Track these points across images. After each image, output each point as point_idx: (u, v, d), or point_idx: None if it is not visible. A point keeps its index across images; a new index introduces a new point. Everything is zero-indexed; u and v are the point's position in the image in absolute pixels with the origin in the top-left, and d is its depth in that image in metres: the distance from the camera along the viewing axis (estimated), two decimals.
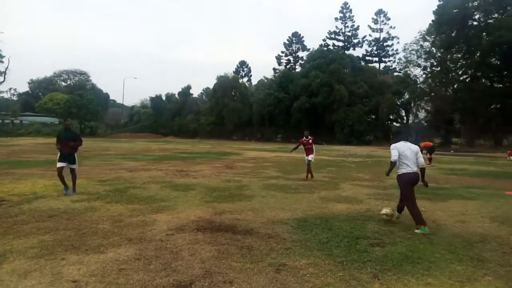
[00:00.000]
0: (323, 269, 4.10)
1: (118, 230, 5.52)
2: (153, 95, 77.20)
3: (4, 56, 54.95)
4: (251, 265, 4.17)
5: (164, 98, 77.47)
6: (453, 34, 45.11)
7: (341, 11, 72.01)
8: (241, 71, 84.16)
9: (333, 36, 72.82)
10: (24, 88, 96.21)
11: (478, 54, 44.51)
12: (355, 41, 72.76)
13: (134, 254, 4.48)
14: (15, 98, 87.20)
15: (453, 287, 3.76)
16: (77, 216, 6.39)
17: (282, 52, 77.63)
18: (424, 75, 55.78)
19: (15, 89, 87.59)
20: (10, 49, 78.07)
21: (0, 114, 63.30)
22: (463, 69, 49.21)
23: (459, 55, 48.13)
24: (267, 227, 5.88)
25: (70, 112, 59.95)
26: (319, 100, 55.15)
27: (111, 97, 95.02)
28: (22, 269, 3.95)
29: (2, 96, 71.79)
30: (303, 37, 76.74)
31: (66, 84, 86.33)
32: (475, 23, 44.69)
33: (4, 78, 57.79)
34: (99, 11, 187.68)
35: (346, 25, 72.38)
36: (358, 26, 72.24)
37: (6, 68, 57.24)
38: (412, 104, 58.02)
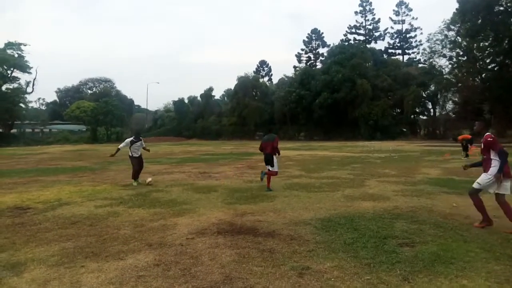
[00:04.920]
0: (349, 272, 3.90)
1: (138, 235, 5.47)
2: (176, 99, 78.09)
3: (31, 68, 56.76)
4: (272, 269, 4.01)
5: (186, 101, 78.18)
6: (478, 22, 43.36)
7: (360, 5, 70.89)
8: (261, 71, 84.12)
9: (353, 30, 71.77)
10: (52, 97, 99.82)
11: (506, 41, 42.70)
12: (377, 34, 71.49)
13: (153, 260, 4.40)
14: (43, 107, 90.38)
15: None
16: (99, 222, 6.39)
17: (302, 49, 77.22)
18: (450, 65, 53.98)
19: (43, 99, 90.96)
20: (37, 60, 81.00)
21: (30, 124, 65.48)
22: (491, 57, 47.20)
23: (486, 43, 46.23)
24: (289, 228, 5.70)
25: (97, 119, 61.33)
26: (342, 95, 54.32)
27: (136, 103, 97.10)
28: (42, 278, 3.93)
29: (32, 106, 74.20)
30: (322, 33, 76.11)
31: (92, 92, 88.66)
32: (501, 8, 42.85)
33: (33, 88, 59.76)
34: (119, 18, 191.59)
35: (367, 18, 71.21)
36: (379, 19, 71.02)
37: (34, 79, 59.19)
38: (439, 96, 56.33)
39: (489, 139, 5.56)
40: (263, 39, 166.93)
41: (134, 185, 10.52)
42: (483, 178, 5.55)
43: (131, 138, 11.23)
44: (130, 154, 11.10)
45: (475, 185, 5.69)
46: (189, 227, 5.90)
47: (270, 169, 9.47)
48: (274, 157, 9.53)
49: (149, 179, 10.85)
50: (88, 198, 8.67)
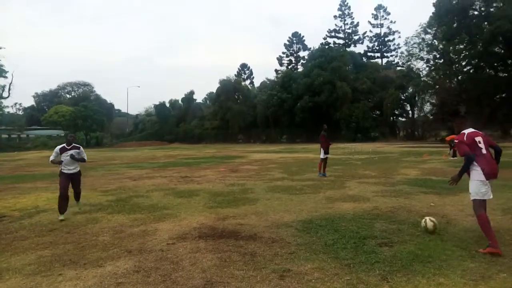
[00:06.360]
0: (329, 273, 3.93)
1: (118, 242, 5.39)
2: (157, 103, 77.42)
3: (7, 72, 55.25)
4: (253, 273, 4.01)
5: (168, 105, 77.61)
6: (454, 25, 44.61)
7: (339, 9, 71.90)
8: (242, 74, 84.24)
9: (333, 34, 72.76)
10: (29, 102, 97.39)
11: (480, 44, 43.99)
12: (356, 37, 72.70)
13: (133, 266, 4.34)
14: (20, 112, 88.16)
15: (466, 286, 3.57)
16: (77, 228, 6.27)
17: (283, 53, 77.71)
18: (427, 68, 55.13)
19: (20, 104, 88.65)
20: (13, 64, 78.86)
21: (6, 129, 63.75)
22: (466, 60, 48.48)
23: (461, 46, 47.49)
24: (271, 231, 5.72)
25: (76, 124, 60.22)
26: (322, 98, 54.87)
27: (116, 107, 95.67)
28: (18, 287, 3.83)
29: (8, 112, 72.23)
30: (303, 36, 76.76)
31: (70, 96, 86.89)
32: (475, 12, 44.19)
33: (9, 93, 58.19)
34: (97, 22, 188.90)
35: (346, 22, 72.34)
36: (358, 22, 72.37)
37: (10, 84, 57.62)
38: (417, 98, 57.50)
39: (455, 140, 4.98)
40: (244, 42, 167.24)
41: (60, 219, 6.93)
42: (472, 186, 4.75)
43: (62, 145, 7.58)
44: (60, 168, 7.45)
45: (471, 197, 4.79)
46: (170, 232, 5.85)
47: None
48: (321, 149, 12.74)
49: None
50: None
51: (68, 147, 7.46)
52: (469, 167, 4.72)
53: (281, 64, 77.67)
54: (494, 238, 4.51)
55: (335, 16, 72.28)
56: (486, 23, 42.43)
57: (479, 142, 4.78)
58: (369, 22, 71.22)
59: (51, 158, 7.44)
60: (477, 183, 4.68)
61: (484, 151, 4.76)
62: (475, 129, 4.99)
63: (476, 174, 4.69)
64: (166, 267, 4.27)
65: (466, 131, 4.91)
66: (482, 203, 4.70)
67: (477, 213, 4.69)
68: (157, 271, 4.15)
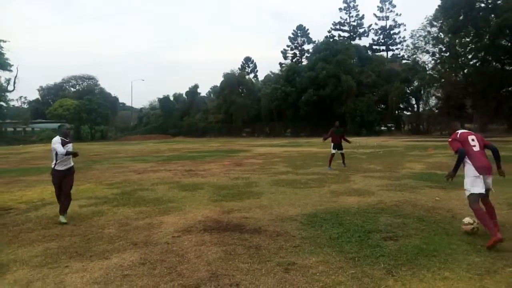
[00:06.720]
0: (334, 267, 3.94)
1: (123, 234, 5.43)
2: (161, 96, 77.42)
3: (12, 65, 55.26)
4: (258, 266, 4.03)
5: (172, 98, 77.52)
6: (460, 18, 44.09)
7: (344, 1, 71.27)
8: (246, 67, 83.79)
9: (338, 27, 72.20)
10: (34, 95, 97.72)
11: (487, 37, 43.50)
12: (361, 30, 72.09)
13: (139, 258, 4.37)
14: (25, 106, 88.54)
15: (472, 280, 3.57)
16: (83, 221, 6.33)
17: (288, 46, 77.15)
18: (433, 61, 54.57)
19: (25, 97, 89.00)
20: (18, 58, 78.85)
21: (11, 123, 64.06)
22: (472, 53, 47.94)
23: (468, 39, 46.96)
24: (275, 224, 5.73)
25: (81, 117, 60.43)
26: (327, 92, 54.57)
27: (121, 100, 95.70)
28: (25, 279, 3.87)
29: (13, 105, 72.50)
30: (308, 29, 76.18)
31: (75, 89, 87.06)
32: (482, 5, 43.65)
33: (14, 87, 58.26)
34: (102, 16, 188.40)
35: (351, 15, 71.70)
36: (363, 15, 71.65)
37: (15, 77, 57.58)
38: (422, 91, 57.06)
39: (449, 139, 5.26)
40: (246, 37, 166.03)
41: (62, 222, 6.22)
42: (468, 182, 4.95)
43: (60, 137, 6.70)
44: (54, 166, 6.66)
45: (466, 193, 5.00)
46: (175, 225, 5.88)
47: (343, 152, 13.63)
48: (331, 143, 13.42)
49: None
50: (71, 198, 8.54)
51: (67, 140, 6.72)
52: (462, 161, 4.94)
53: (285, 58, 77.25)
54: (492, 227, 4.52)
55: (340, 9, 71.74)
56: (492, 15, 41.90)
57: (472, 140, 5.05)
58: (375, 14, 70.65)
59: (61, 150, 6.36)
60: (472, 179, 4.88)
61: (476, 148, 4.99)
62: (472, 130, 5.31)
63: (470, 170, 4.90)
64: (172, 260, 4.30)
65: (460, 131, 5.20)
66: (477, 197, 4.86)
67: (473, 207, 4.84)
68: (162, 264, 4.18)
